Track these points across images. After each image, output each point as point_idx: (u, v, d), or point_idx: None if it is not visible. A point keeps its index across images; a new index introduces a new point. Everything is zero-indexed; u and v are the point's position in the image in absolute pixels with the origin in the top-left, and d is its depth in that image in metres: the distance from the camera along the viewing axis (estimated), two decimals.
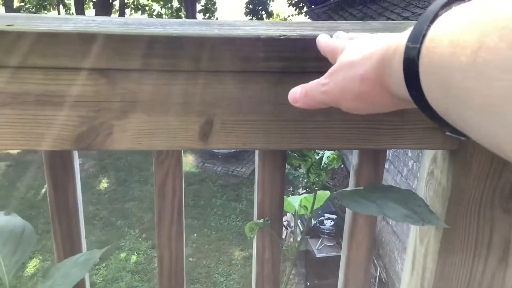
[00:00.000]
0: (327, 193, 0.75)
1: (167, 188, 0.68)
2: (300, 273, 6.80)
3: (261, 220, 0.68)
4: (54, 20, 0.57)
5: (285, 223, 7.54)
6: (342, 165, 8.51)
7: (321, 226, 6.64)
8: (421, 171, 0.73)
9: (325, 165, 0.66)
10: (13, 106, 0.57)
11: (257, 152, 0.69)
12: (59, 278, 0.55)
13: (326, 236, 6.65)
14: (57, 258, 0.69)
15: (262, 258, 0.73)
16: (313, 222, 6.72)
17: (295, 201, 0.72)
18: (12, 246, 0.56)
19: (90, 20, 0.58)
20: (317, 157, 0.65)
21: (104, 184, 8.60)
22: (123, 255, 6.57)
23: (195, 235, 7.11)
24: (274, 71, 0.58)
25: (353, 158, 0.70)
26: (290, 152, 0.67)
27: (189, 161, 9.57)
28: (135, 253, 6.62)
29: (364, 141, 0.64)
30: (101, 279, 6.12)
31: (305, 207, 0.70)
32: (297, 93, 0.50)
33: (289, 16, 20.38)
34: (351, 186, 0.69)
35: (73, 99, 0.58)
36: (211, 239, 7.07)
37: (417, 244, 0.76)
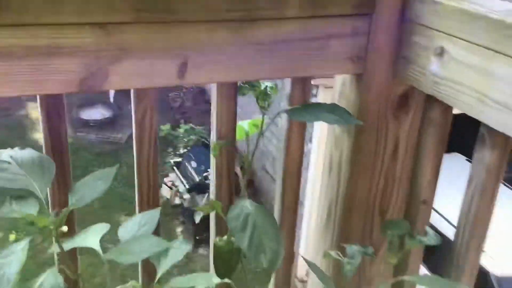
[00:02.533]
0: (259, 119, 0.96)
1: (146, 121, 0.84)
2: (188, 229, 7.01)
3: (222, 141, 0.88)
4: None
5: (169, 183, 7.69)
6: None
7: (206, 181, 6.91)
8: (333, 93, 0.97)
9: (269, 93, 0.86)
10: (26, 58, 0.69)
11: (214, 86, 0.87)
12: (87, 190, 0.69)
13: (198, 207, 6.90)
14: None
15: (220, 172, 0.93)
16: (200, 178, 6.97)
17: (244, 125, 0.92)
18: (39, 171, 0.69)
19: None
20: (263, 87, 0.86)
21: None
22: None
23: None
24: (236, 20, 0.76)
25: (286, 86, 0.92)
26: (241, 84, 0.87)
27: None
28: None
29: (295, 71, 0.85)
30: None
31: (255, 126, 0.91)
32: None
33: None
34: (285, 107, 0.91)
35: (76, 50, 0.71)
36: (94, 209, 6.97)
37: (333, 150, 1.00)
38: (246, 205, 0.83)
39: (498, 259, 4.28)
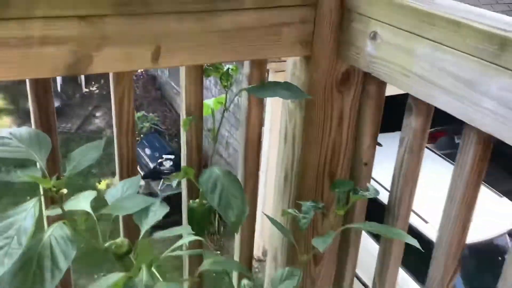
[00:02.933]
0: (222, 97, 1.09)
1: (125, 100, 0.95)
2: None
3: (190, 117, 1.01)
4: None
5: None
6: (172, 110, 8.84)
7: (161, 167, 6.99)
8: (286, 73, 1.11)
9: (230, 74, 1.00)
10: (20, 47, 0.79)
11: (182, 69, 0.99)
12: (81, 158, 0.80)
13: (166, 177, 6.99)
14: None
15: (190, 145, 1.06)
16: (154, 164, 7.02)
17: (210, 102, 1.05)
18: (36, 145, 0.79)
19: None
20: (225, 69, 0.99)
21: None
22: None
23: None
24: (201, 11, 0.89)
25: (245, 68, 1.05)
26: (206, 66, 0.99)
27: (6, 123, 8.96)
28: None
29: (253, 54, 0.99)
30: None
31: (220, 103, 1.04)
32: None
33: None
34: (244, 86, 1.05)
35: (64, 39, 0.82)
36: None
37: (288, 123, 1.15)
38: (214, 170, 0.97)
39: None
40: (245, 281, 1.13)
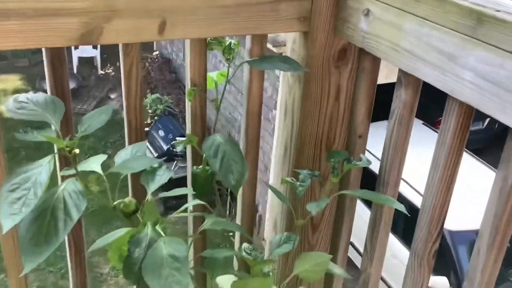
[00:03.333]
0: (225, 70, 1.16)
1: (133, 71, 1.02)
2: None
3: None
4: None
5: None
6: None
7: (173, 150, 7.09)
8: (286, 49, 1.17)
9: (233, 47, 1.06)
10: (35, 17, 0.86)
11: (187, 42, 1.06)
12: (92, 121, 0.88)
13: (179, 158, 7.09)
14: None
15: (195, 114, 1.13)
16: (167, 146, 7.13)
17: (213, 75, 1.12)
18: (51, 109, 0.87)
19: None
20: (228, 43, 1.06)
21: None
22: None
23: None
24: None
25: (247, 43, 1.11)
26: (210, 40, 1.06)
27: None
28: None
29: (253, 29, 1.05)
30: None
31: (223, 76, 1.11)
32: None
33: None
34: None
35: (77, 11, 0.89)
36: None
37: (287, 97, 1.21)
38: (217, 137, 1.04)
39: (451, 214, 4.63)
40: (245, 244, 1.20)
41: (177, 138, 7.19)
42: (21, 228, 0.79)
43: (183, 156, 7.08)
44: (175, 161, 7.08)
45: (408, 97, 1.00)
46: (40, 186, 0.77)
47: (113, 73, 10.00)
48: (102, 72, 10.07)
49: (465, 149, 0.93)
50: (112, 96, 9.62)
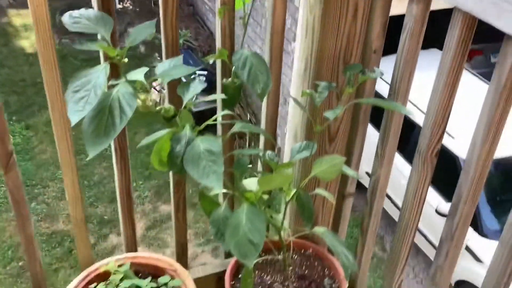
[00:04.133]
0: None
1: None
2: None
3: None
4: None
5: (158, 87, 7.96)
6: (204, 26, 8.91)
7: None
8: None
9: None
10: None
11: None
12: (138, 34, 1.01)
13: (200, 93, 7.20)
14: None
15: (224, 31, 1.24)
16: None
17: None
18: (102, 23, 1.00)
19: None
20: None
21: None
22: None
23: None
24: None
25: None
26: None
27: None
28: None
29: None
30: None
31: None
32: None
33: None
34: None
35: None
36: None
37: (308, 15, 1.31)
38: (244, 51, 1.16)
39: (466, 144, 4.71)
40: (269, 151, 1.35)
41: (196, 72, 7.29)
42: (84, 123, 0.94)
43: (203, 89, 7.20)
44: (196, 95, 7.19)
45: (419, 11, 1.10)
46: (99, 87, 0.91)
47: (130, 7, 9.98)
48: (120, 6, 10.05)
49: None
50: (130, 30, 9.65)
